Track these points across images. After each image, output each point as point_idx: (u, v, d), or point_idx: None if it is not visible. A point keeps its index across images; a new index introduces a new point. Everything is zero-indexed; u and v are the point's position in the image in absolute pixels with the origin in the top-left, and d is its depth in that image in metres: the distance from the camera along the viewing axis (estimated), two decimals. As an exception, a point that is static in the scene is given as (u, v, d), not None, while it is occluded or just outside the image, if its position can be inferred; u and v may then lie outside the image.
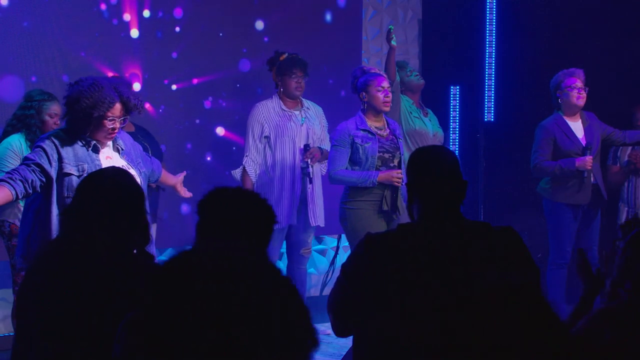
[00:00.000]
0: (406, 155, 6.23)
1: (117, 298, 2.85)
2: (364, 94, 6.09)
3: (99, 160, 4.53)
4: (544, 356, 2.80)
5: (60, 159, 4.44)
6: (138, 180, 4.57)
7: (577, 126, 6.61)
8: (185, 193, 5.31)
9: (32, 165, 4.39)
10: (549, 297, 6.65)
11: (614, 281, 2.99)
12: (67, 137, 4.50)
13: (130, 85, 4.65)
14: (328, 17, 7.81)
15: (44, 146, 4.44)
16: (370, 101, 6.08)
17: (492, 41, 8.19)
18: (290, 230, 6.52)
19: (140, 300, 2.02)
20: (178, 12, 6.98)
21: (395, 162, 6.11)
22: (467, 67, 8.27)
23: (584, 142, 6.53)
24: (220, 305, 1.87)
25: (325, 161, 6.56)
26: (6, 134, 5.75)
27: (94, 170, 4.38)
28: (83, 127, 4.49)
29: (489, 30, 8.19)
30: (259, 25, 7.36)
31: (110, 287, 2.88)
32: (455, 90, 8.10)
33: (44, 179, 4.41)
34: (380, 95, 6.07)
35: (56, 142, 4.47)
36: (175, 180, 5.28)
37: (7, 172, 4.43)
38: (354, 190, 6.01)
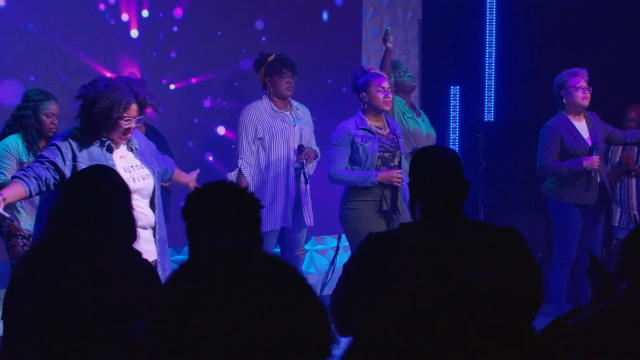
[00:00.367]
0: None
1: (107, 296, 2.85)
2: (364, 94, 6.09)
3: (113, 160, 4.56)
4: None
5: (74, 158, 4.47)
6: (151, 179, 4.62)
7: (582, 126, 6.61)
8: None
9: (46, 163, 4.43)
10: (551, 296, 6.65)
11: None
12: (82, 136, 4.53)
13: (145, 85, 4.68)
14: (325, 16, 7.80)
15: (59, 144, 4.48)
16: (371, 101, 6.08)
17: (492, 41, 8.19)
18: (284, 232, 6.47)
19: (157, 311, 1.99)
20: (176, 12, 6.98)
21: (396, 162, 6.10)
22: (467, 67, 8.27)
23: (590, 142, 6.54)
24: (242, 309, 1.84)
25: (314, 161, 6.56)
26: (4, 134, 5.74)
27: None
28: (99, 127, 4.52)
29: (489, 30, 8.19)
30: (258, 24, 7.35)
31: (99, 284, 2.88)
32: (455, 90, 8.09)
33: (57, 177, 4.44)
34: (381, 96, 6.07)
35: (71, 141, 4.50)
36: (189, 179, 5.28)
37: (22, 169, 4.46)
38: (353, 190, 6.01)
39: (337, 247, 7.74)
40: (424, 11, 8.61)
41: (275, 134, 6.39)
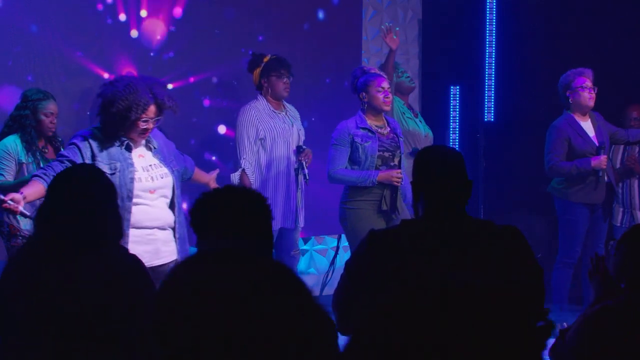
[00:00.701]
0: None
1: (99, 294, 2.86)
2: (363, 94, 6.09)
3: (131, 159, 4.61)
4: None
5: (93, 157, 4.53)
6: (170, 178, 4.64)
7: (587, 126, 6.62)
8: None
9: (66, 162, 4.47)
10: (553, 295, 6.66)
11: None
12: (101, 135, 4.58)
13: (164, 86, 4.71)
14: (321, 14, 7.80)
15: (78, 144, 4.54)
16: (370, 101, 6.08)
17: (492, 41, 8.19)
18: (281, 233, 6.46)
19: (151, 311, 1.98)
20: (175, 12, 6.98)
21: (396, 161, 6.10)
22: (467, 67, 8.27)
23: (596, 142, 6.56)
24: (236, 310, 1.83)
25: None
26: (2, 135, 5.70)
27: (126, 168, 4.53)
28: (117, 127, 4.56)
29: (489, 30, 8.19)
30: (255, 24, 7.35)
31: (85, 282, 2.89)
32: (455, 90, 8.09)
33: (103, 178, 4.45)
34: (380, 96, 6.07)
35: (90, 140, 4.55)
36: (209, 178, 5.28)
37: (41, 168, 4.50)
38: (353, 190, 6.01)
39: (337, 247, 7.74)
40: (424, 11, 8.61)
41: (276, 134, 6.39)
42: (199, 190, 3.22)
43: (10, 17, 6.28)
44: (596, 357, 2.87)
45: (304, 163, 6.36)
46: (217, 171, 5.38)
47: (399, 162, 6.13)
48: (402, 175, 6.00)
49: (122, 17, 6.71)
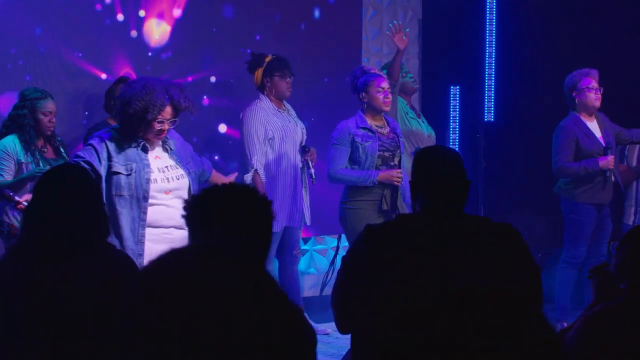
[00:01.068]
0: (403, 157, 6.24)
1: (96, 293, 2.86)
2: (363, 94, 6.09)
3: (148, 160, 4.65)
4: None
5: (109, 158, 4.57)
6: (186, 179, 4.67)
7: (594, 126, 6.64)
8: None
9: (82, 163, 4.50)
10: (555, 295, 6.66)
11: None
12: (118, 136, 4.63)
13: (181, 87, 4.74)
14: (317, 13, 7.80)
15: (95, 144, 4.58)
16: (370, 101, 6.08)
17: (492, 41, 8.19)
18: (285, 231, 6.48)
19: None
20: (173, 12, 6.98)
21: (396, 161, 6.10)
22: (467, 67, 8.27)
23: (603, 142, 6.57)
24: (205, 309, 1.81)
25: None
26: (1, 135, 5.69)
27: (142, 169, 4.58)
28: (133, 127, 4.60)
29: (489, 30, 8.19)
30: (252, 22, 7.35)
31: (86, 282, 2.89)
32: (455, 90, 8.10)
33: (93, 177, 4.47)
34: (380, 96, 6.07)
35: (107, 141, 4.60)
36: (227, 181, 5.27)
37: None
38: (353, 190, 6.01)
39: (337, 247, 7.74)
40: (424, 11, 8.61)
41: (284, 133, 6.38)
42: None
43: (9, 17, 6.27)
44: (596, 357, 2.87)
45: (310, 162, 6.36)
46: (235, 174, 5.40)
47: (399, 161, 6.13)
48: (402, 175, 6.00)
49: (120, 17, 6.71)
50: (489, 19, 8.18)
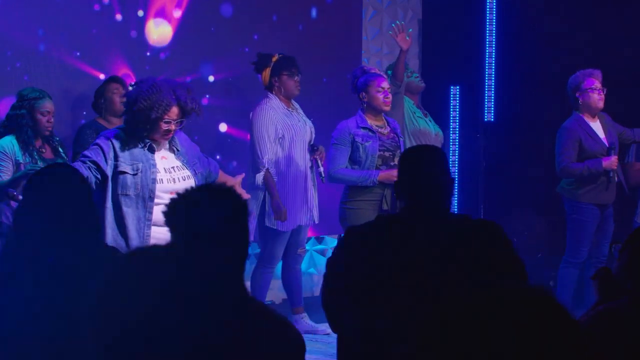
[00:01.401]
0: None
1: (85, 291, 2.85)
2: (363, 94, 6.08)
3: (154, 160, 4.67)
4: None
5: (116, 157, 4.60)
6: (192, 180, 4.70)
7: (597, 126, 6.64)
8: (244, 194, 5.22)
9: (88, 163, 4.54)
10: (556, 295, 6.65)
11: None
12: (125, 136, 4.64)
13: (189, 89, 4.75)
14: (314, 12, 7.78)
15: (101, 144, 4.60)
16: (370, 101, 6.07)
17: (492, 41, 8.18)
18: (293, 230, 6.47)
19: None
20: (171, 12, 6.97)
21: (396, 161, 6.09)
22: (467, 67, 8.26)
23: (607, 142, 6.57)
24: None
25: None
26: None
27: (148, 169, 4.60)
28: (140, 127, 4.61)
29: (489, 30, 8.18)
30: (250, 22, 7.34)
31: (74, 280, 2.89)
32: (455, 90, 8.08)
33: (99, 177, 4.57)
34: (380, 96, 6.06)
35: (113, 140, 4.62)
36: (234, 182, 5.18)
37: None
38: (353, 190, 6.00)
39: (337, 247, 7.73)
40: (424, 11, 8.60)
41: (294, 132, 6.36)
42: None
43: (8, 18, 6.25)
44: (599, 357, 2.85)
45: (319, 161, 6.35)
46: (242, 175, 5.36)
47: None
48: (402, 175, 5.99)
49: (119, 17, 6.70)
50: (489, 19, 8.17)
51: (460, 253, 3.02)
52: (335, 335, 3.32)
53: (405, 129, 7.00)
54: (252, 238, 6.11)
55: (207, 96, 7.18)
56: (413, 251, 3.01)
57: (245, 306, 2.08)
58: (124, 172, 4.59)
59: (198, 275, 1.81)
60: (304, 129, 6.45)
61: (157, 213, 4.61)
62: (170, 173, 4.70)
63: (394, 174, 5.96)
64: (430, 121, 7.23)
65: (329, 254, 7.83)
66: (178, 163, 4.76)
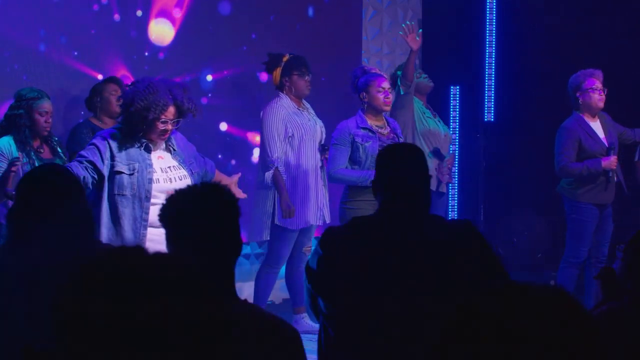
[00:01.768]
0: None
1: None
2: (364, 94, 6.08)
3: (150, 160, 4.66)
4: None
5: (112, 157, 4.59)
6: (189, 180, 4.70)
7: (597, 126, 6.64)
8: (240, 194, 5.22)
9: (85, 163, 4.53)
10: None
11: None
12: (121, 136, 4.64)
13: (186, 89, 4.74)
14: (311, 11, 7.78)
15: (98, 144, 4.60)
16: (371, 101, 6.07)
17: (492, 41, 8.18)
18: (303, 229, 6.46)
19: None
20: (170, 12, 6.97)
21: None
22: (467, 67, 8.27)
23: (606, 142, 6.57)
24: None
25: None
26: None
27: (144, 169, 4.60)
28: (136, 127, 4.61)
29: (489, 30, 8.18)
30: (248, 21, 7.33)
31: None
32: (455, 90, 8.08)
33: (96, 177, 4.56)
34: (381, 96, 6.06)
35: (110, 140, 4.61)
36: (230, 181, 5.19)
37: None
38: (353, 190, 6.00)
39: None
40: (424, 11, 8.60)
41: (304, 132, 6.35)
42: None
43: (7, 18, 6.24)
44: (602, 357, 2.85)
45: None
46: (239, 175, 5.35)
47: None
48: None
49: (117, 17, 6.69)
50: (489, 19, 8.18)
51: (436, 252, 3.04)
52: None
53: (415, 129, 6.99)
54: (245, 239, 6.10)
55: (208, 95, 7.18)
56: (387, 252, 3.05)
57: (230, 306, 2.07)
58: (121, 172, 4.58)
59: (184, 272, 1.80)
60: (314, 128, 6.44)
61: (154, 213, 4.58)
62: (167, 173, 4.69)
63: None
64: (439, 122, 7.22)
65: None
66: (174, 163, 4.75)
